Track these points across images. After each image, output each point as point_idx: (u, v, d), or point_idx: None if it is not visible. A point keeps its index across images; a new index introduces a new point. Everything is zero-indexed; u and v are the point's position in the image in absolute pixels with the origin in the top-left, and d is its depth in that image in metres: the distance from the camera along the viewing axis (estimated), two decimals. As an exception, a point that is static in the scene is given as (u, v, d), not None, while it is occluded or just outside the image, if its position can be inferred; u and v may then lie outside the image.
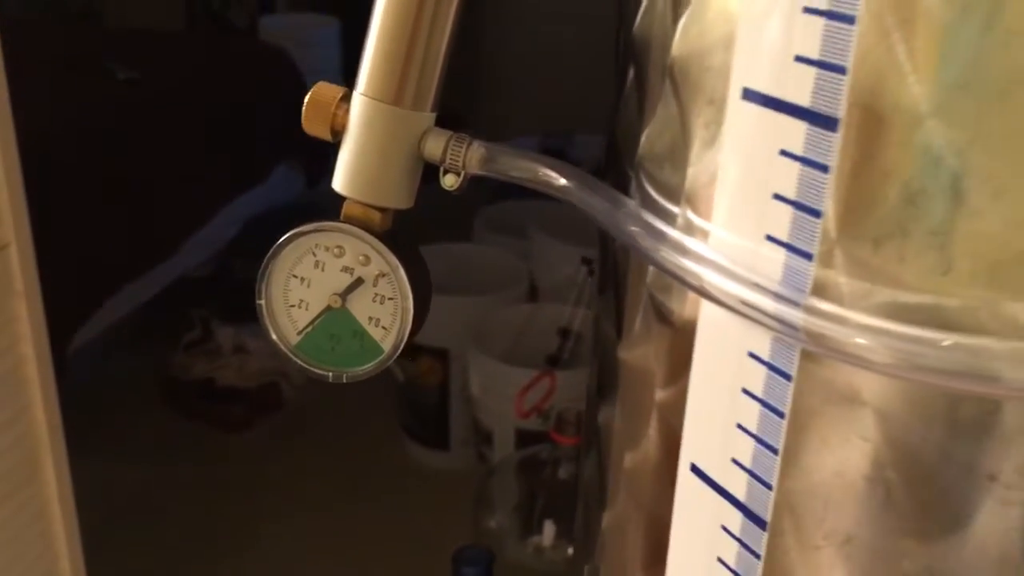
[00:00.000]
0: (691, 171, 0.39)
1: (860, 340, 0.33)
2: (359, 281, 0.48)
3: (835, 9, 0.32)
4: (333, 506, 1.79)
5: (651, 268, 0.42)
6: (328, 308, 0.48)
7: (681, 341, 0.41)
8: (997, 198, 0.31)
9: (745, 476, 0.39)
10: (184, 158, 2.07)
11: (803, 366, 0.36)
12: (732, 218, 0.37)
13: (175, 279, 2.05)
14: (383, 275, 0.47)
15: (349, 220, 0.47)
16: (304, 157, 2.39)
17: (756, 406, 0.38)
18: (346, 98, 0.46)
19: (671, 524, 0.43)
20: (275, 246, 0.48)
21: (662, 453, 0.44)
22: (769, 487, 0.38)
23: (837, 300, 0.34)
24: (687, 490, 0.42)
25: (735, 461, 0.39)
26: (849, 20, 0.32)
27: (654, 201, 0.42)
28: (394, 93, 0.45)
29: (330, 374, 0.49)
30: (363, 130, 0.46)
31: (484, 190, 2.19)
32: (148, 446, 1.94)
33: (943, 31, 0.30)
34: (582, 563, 0.56)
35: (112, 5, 3.21)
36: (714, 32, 0.37)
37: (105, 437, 1.82)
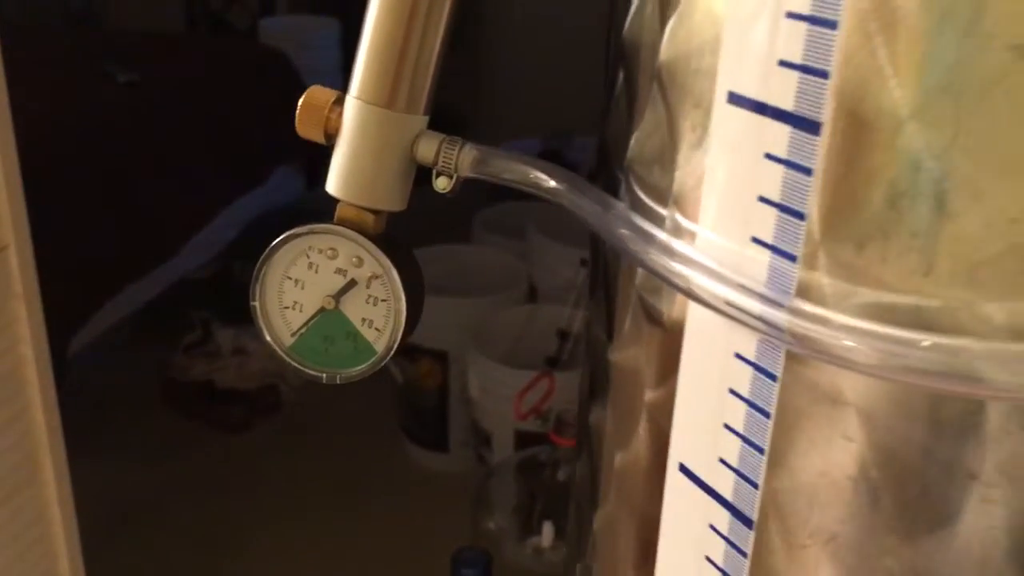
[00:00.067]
0: (679, 174, 0.40)
1: (843, 341, 0.34)
2: (352, 283, 0.48)
3: (817, 14, 0.32)
4: (332, 507, 1.80)
5: (640, 270, 0.43)
6: (322, 309, 0.49)
7: (670, 342, 0.41)
8: (976, 200, 0.31)
9: (732, 475, 0.39)
10: (184, 160, 2.08)
11: (789, 367, 0.37)
12: (718, 220, 0.38)
13: (175, 281, 2.06)
14: (376, 277, 0.48)
15: (342, 222, 0.47)
16: (304, 159, 2.40)
17: (743, 406, 0.38)
18: (339, 101, 0.47)
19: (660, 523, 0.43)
20: (269, 248, 0.48)
21: (652, 453, 0.44)
22: (755, 486, 0.39)
23: (820, 301, 0.34)
24: (676, 490, 0.42)
25: (722, 461, 0.40)
26: (831, 25, 0.32)
27: (643, 203, 0.42)
28: (387, 96, 0.45)
29: (324, 375, 0.50)
30: (356, 133, 0.46)
31: (483, 191, 2.20)
32: (148, 447, 1.95)
33: (923, 35, 0.31)
34: (574, 563, 0.56)
35: (112, 8, 3.22)
36: (700, 36, 0.38)
37: (105, 438, 1.83)
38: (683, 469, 0.42)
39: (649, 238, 0.40)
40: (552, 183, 0.43)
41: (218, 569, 1.67)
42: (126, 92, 2.06)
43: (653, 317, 0.43)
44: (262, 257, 0.49)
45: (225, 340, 2.10)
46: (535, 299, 2.01)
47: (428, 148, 0.46)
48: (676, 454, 0.42)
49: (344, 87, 0.46)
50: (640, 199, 0.42)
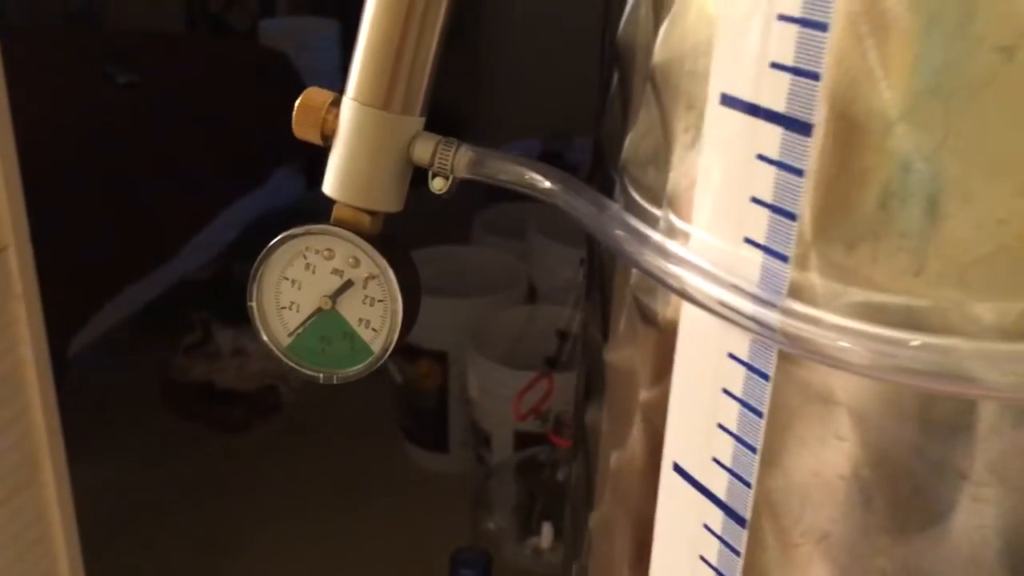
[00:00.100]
0: (672, 175, 0.40)
1: (834, 340, 0.34)
2: (349, 283, 0.48)
3: (808, 16, 0.33)
4: (332, 508, 1.80)
5: (635, 271, 0.43)
6: (319, 310, 0.49)
7: (665, 343, 0.42)
8: (965, 201, 0.31)
9: (726, 475, 0.40)
10: (184, 161, 2.08)
11: (783, 367, 0.37)
12: (712, 221, 0.38)
13: (175, 282, 2.06)
14: (373, 277, 0.48)
15: (339, 223, 0.47)
16: (303, 160, 2.40)
17: (736, 406, 0.38)
18: (336, 103, 0.47)
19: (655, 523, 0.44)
20: (266, 249, 0.49)
21: (647, 453, 0.44)
22: (748, 485, 0.39)
23: (812, 301, 0.35)
24: (670, 489, 0.42)
25: (716, 460, 0.40)
26: (822, 27, 0.32)
27: (637, 204, 0.42)
28: (383, 98, 0.46)
29: (320, 375, 0.50)
30: (353, 134, 0.46)
31: (482, 192, 2.20)
32: (148, 448, 1.95)
33: (913, 37, 0.31)
34: (570, 562, 0.56)
35: (112, 9, 3.22)
36: (693, 38, 0.38)
37: (105, 439, 1.83)
38: (677, 469, 0.42)
39: (643, 239, 0.40)
40: (547, 184, 0.44)
41: (218, 569, 1.68)
42: (126, 93, 2.07)
43: (648, 317, 0.43)
44: (259, 258, 0.49)
45: (225, 341, 2.10)
46: (535, 300, 2.01)
47: (424, 149, 0.46)
48: (670, 454, 0.42)
49: (344, 88, 0.47)
50: (635, 200, 0.42)
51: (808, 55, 0.33)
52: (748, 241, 0.36)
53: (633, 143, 0.43)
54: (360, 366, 0.49)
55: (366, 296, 0.48)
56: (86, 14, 3.17)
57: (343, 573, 1.68)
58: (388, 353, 0.49)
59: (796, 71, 0.33)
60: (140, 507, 1.79)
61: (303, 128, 0.47)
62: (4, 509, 0.93)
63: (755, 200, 0.36)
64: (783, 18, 0.33)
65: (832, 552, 0.38)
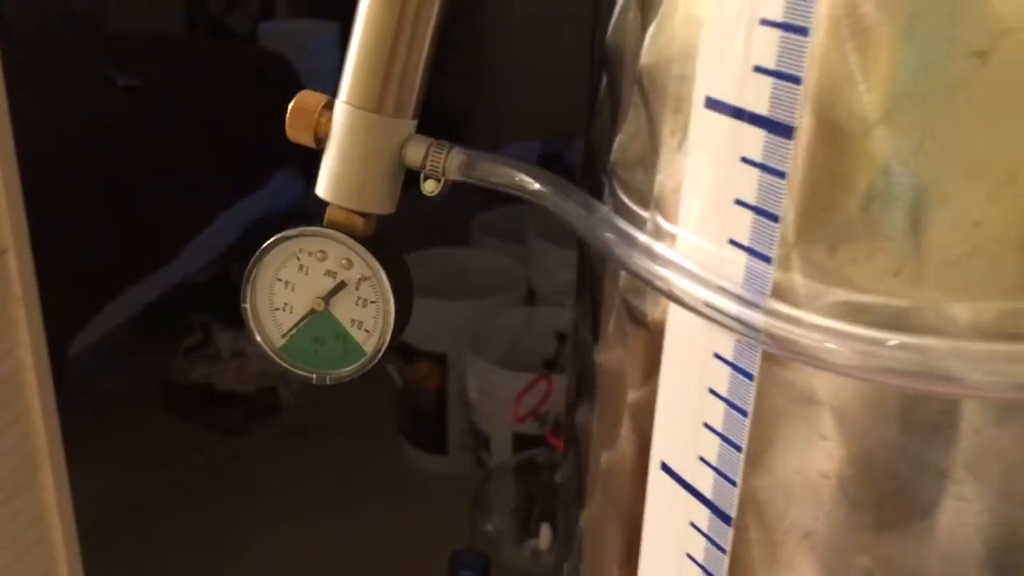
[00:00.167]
0: (659, 177, 0.40)
1: (816, 340, 0.34)
2: (342, 285, 0.49)
3: (790, 21, 0.33)
4: (331, 509, 1.80)
5: (623, 272, 0.44)
6: (312, 311, 0.49)
7: (652, 344, 0.42)
8: (942, 204, 0.32)
9: (712, 474, 0.40)
10: (184, 163, 2.09)
11: (767, 367, 0.37)
12: (698, 223, 0.38)
13: (175, 284, 2.06)
14: (365, 279, 0.48)
15: (332, 225, 0.48)
16: (303, 163, 2.40)
17: (721, 405, 0.39)
18: (329, 106, 0.47)
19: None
20: (259, 250, 0.49)
21: (635, 452, 0.45)
22: (734, 484, 0.39)
23: (794, 302, 0.35)
24: (658, 488, 0.43)
25: (702, 459, 0.40)
26: (803, 32, 0.33)
27: (626, 206, 0.43)
28: (375, 101, 0.46)
29: (314, 376, 0.51)
30: (345, 137, 0.47)
31: (481, 195, 2.20)
32: (147, 450, 1.95)
33: (891, 42, 0.32)
34: (562, 561, 0.57)
35: (112, 11, 3.22)
36: (679, 42, 0.38)
37: (105, 441, 1.84)
38: (665, 468, 0.42)
39: (631, 241, 0.41)
40: (537, 186, 0.44)
41: (218, 571, 1.68)
42: (126, 96, 2.07)
43: (636, 318, 0.44)
44: (252, 260, 0.49)
45: (225, 343, 2.10)
46: (533, 302, 2.01)
47: (416, 152, 0.46)
48: (658, 453, 0.43)
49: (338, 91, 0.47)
50: (623, 202, 0.43)
51: (790, 59, 0.33)
52: (732, 243, 0.37)
53: (622, 145, 0.44)
54: (353, 367, 0.50)
55: (359, 297, 0.49)
56: (86, 17, 3.18)
57: (342, 575, 1.69)
58: (380, 354, 0.49)
59: (778, 75, 0.34)
60: (140, 509, 1.80)
61: (296, 131, 0.48)
62: (3, 511, 0.94)
63: (739, 202, 0.36)
64: (766, 22, 0.34)
65: (816, 549, 0.38)
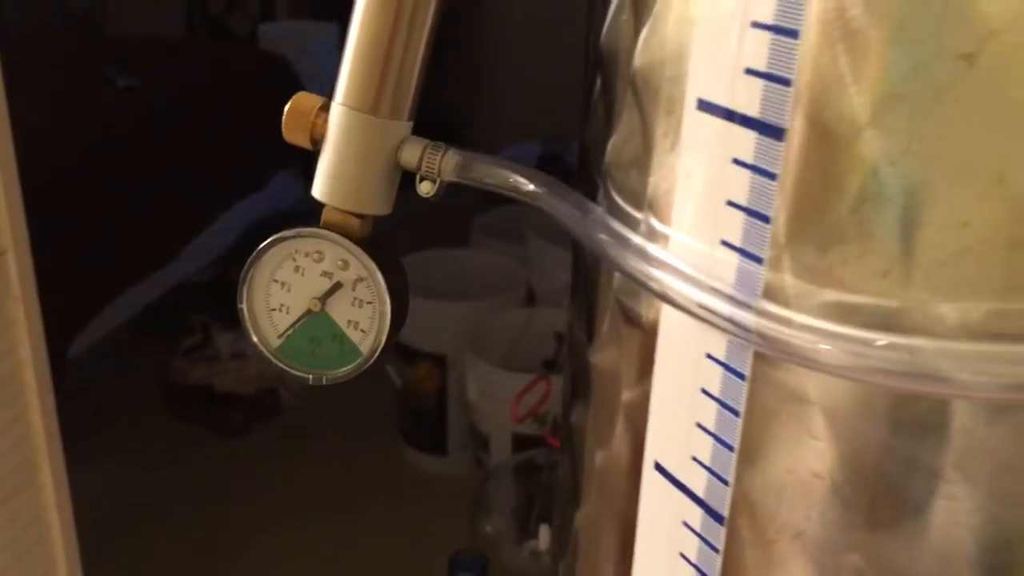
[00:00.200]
0: (653, 178, 0.40)
1: (806, 341, 0.35)
2: (338, 285, 0.49)
3: (780, 24, 0.33)
4: (331, 510, 1.80)
5: (617, 273, 0.44)
6: (308, 312, 0.50)
7: (646, 344, 0.42)
8: (930, 205, 0.32)
9: (705, 473, 0.40)
10: (184, 164, 2.09)
11: (759, 368, 0.38)
12: (690, 224, 0.39)
13: (175, 285, 2.07)
14: (361, 279, 0.49)
15: (328, 226, 0.48)
16: (303, 164, 2.39)
17: (714, 405, 0.39)
18: (325, 108, 0.48)
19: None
20: (256, 251, 0.49)
21: (630, 452, 0.45)
22: (726, 483, 0.39)
23: (785, 302, 0.35)
24: (651, 488, 0.43)
25: (695, 459, 0.41)
26: (793, 34, 0.33)
27: (619, 207, 0.43)
28: (371, 103, 0.47)
29: (310, 376, 0.51)
30: (341, 139, 0.47)
31: (481, 196, 2.20)
32: (147, 451, 1.96)
33: (880, 45, 0.32)
34: (558, 560, 0.57)
35: (112, 13, 3.22)
36: (672, 44, 0.39)
37: (104, 442, 1.84)
38: (658, 467, 0.43)
39: (624, 242, 0.41)
40: (531, 187, 0.44)
41: (217, 572, 1.68)
42: (126, 97, 2.07)
43: (630, 319, 0.44)
44: (249, 260, 0.50)
45: (224, 344, 2.10)
46: (533, 303, 2.01)
47: (412, 153, 0.47)
48: (651, 453, 0.43)
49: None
50: (617, 203, 0.43)
51: (781, 61, 0.34)
52: (724, 243, 0.37)
53: (616, 147, 0.44)
54: (349, 367, 0.50)
55: (355, 298, 0.49)
56: (86, 17, 3.18)
57: (342, 575, 1.69)
58: (376, 354, 0.49)
59: (769, 77, 0.34)
60: (139, 510, 1.80)
61: (293, 132, 0.48)
62: (2, 511, 0.94)
63: (731, 203, 0.36)
64: (757, 25, 0.34)
65: (807, 548, 0.38)
